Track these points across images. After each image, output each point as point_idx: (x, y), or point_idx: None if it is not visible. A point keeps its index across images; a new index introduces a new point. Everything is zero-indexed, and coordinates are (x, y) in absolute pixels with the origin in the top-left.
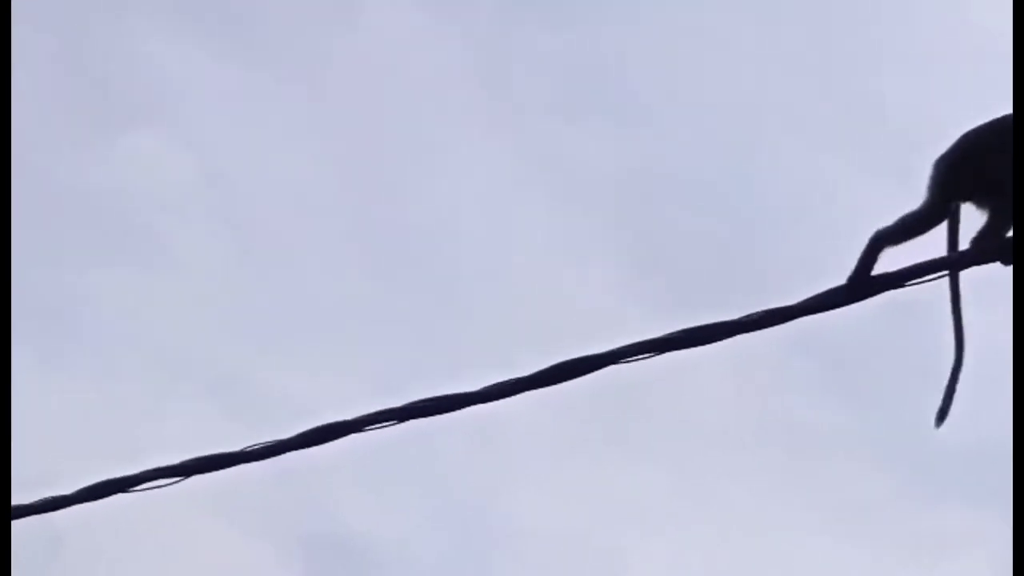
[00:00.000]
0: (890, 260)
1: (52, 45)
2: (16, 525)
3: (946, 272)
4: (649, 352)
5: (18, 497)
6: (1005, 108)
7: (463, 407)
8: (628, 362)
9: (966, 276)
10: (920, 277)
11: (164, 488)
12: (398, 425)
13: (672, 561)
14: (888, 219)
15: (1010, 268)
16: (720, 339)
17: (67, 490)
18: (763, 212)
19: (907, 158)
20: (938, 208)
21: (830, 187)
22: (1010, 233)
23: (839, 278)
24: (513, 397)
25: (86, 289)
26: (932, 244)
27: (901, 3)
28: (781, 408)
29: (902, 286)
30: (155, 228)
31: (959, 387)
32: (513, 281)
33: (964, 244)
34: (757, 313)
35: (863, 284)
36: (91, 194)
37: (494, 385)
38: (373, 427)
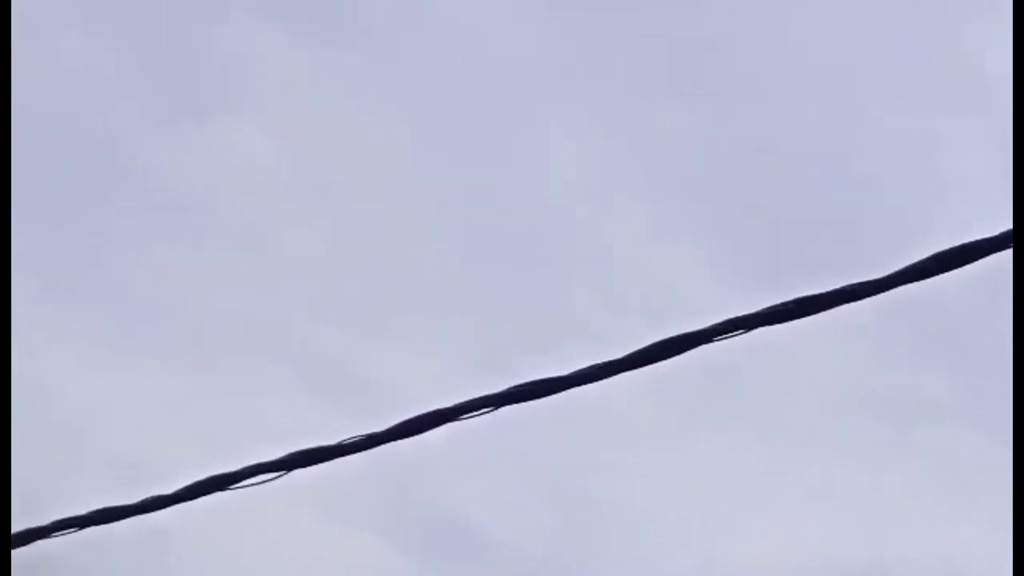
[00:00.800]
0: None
1: (144, 33)
2: (121, 525)
3: None
4: (745, 328)
5: (121, 497)
6: None
7: (560, 391)
8: (723, 339)
9: None
10: None
11: (264, 484)
12: (496, 411)
13: (780, 539)
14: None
15: None
16: (816, 312)
17: (169, 489)
18: (861, 183)
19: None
20: None
21: (929, 156)
22: None
23: (938, 246)
24: (610, 379)
25: (181, 279)
26: None
27: None
28: (886, 380)
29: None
30: (248, 215)
31: None
32: (609, 261)
33: None
34: (852, 284)
35: None
36: (184, 182)
37: (590, 367)
38: (471, 415)
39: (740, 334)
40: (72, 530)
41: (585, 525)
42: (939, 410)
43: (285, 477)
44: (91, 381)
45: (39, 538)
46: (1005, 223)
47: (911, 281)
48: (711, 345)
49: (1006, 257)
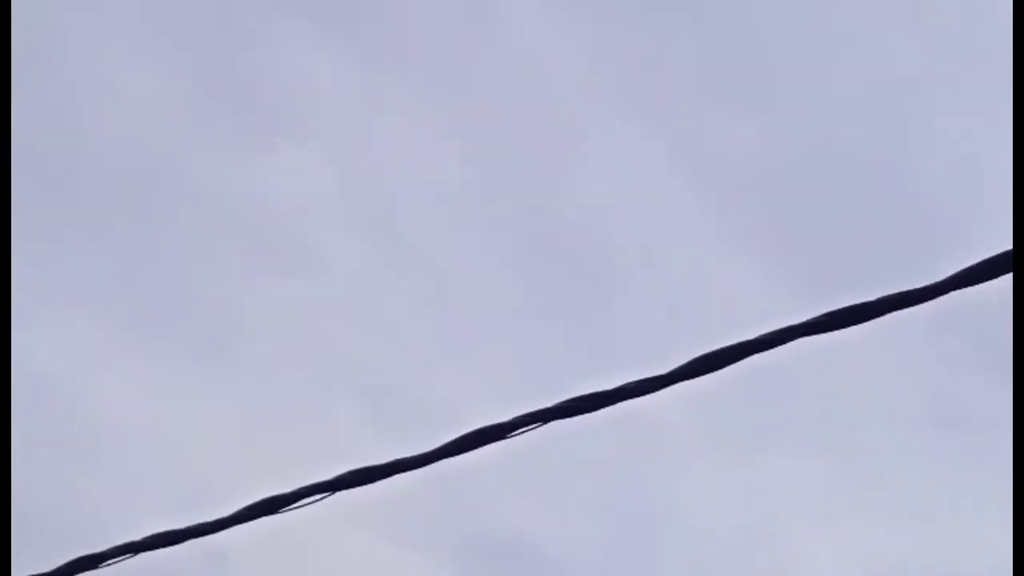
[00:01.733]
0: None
1: (203, 58)
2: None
3: None
4: (793, 337)
5: (177, 521)
6: None
7: (607, 405)
8: (772, 349)
9: None
10: None
11: (317, 504)
12: (547, 425)
13: (842, 551)
14: None
15: None
16: (866, 320)
17: (224, 511)
18: (914, 191)
19: None
20: None
21: (981, 161)
22: None
23: (988, 252)
24: (659, 392)
25: (239, 300)
26: None
27: None
28: (939, 388)
29: None
30: (303, 238)
31: None
32: (662, 273)
33: None
34: (902, 292)
35: None
36: (242, 204)
37: (642, 380)
38: (520, 431)
39: (788, 344)
40: (129, 555)
41: (640, 539)
42: (1000, 418)
43: (338, 496)
44: (149, 402)
45: (96, 565)
46: None
47: (961, 287)
48: (762, 356)
49: None
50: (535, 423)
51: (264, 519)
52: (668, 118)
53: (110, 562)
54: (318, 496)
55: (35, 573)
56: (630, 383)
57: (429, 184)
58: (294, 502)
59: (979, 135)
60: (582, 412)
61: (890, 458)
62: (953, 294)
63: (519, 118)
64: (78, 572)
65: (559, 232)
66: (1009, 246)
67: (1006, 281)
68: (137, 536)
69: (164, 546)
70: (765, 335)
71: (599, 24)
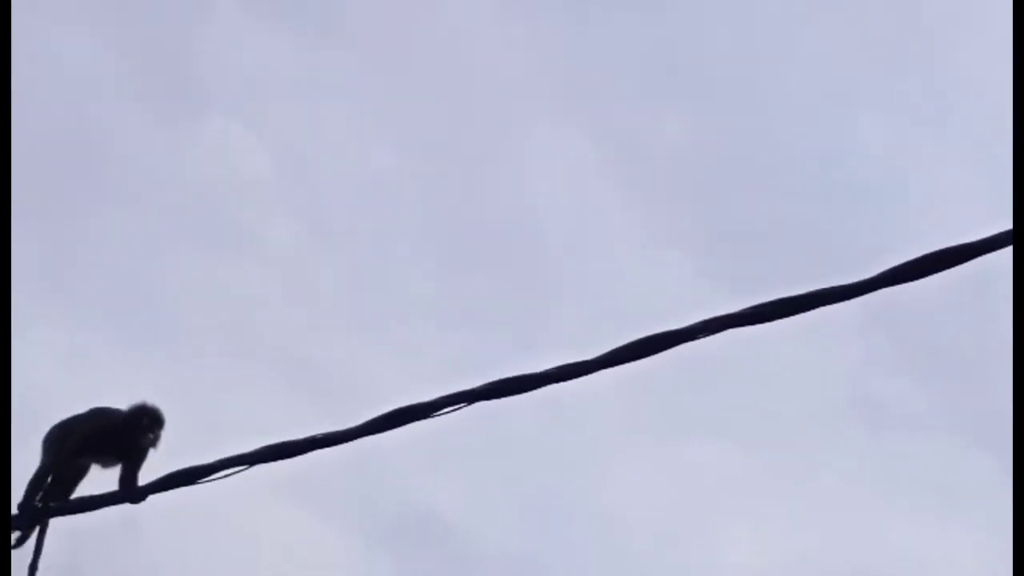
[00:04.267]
0: None
1: (134, 34)
2: (94, 515)
3: None
4: (724, 328)
5: (95, 486)
6: None
7: (537, 387)
8: (703, 338)
9: None
10: None
11: (235, 476)
12: (472, 406)
13: (759, 541)
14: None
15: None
16: (791, 314)
17: (141, 481)
18: (843, 192)
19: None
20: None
21: (903, 166)
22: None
23: (912, 253)
24: (587, 376)
25: (167, 275)
26: None
27: None
28: (861, 386)
29: None
30: (234, 215)
31: None
32: (588, 263)
33: None
34: (830, 287)
35: None
36: (171, 181)
37: (568, 365)
38: (445, 410)
39: (719, 333)
40: (43, 520)
41: (562, 524)
42: (916, 418)
43: (257, 470)
44: (71, 371)
45: (11, 529)
46: (984, 229)
47: (887, 285)
48: (693, 346)
49: (984, 263)
50: (460, 403)
51: (185, 490)
52: (600, 113)
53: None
54: (236, 468)
55: None
56: (556, 367)
57: (361, 167)
58: (211, 473)
59: (906, 137)
60: (507, 394)
61: (809, 452)
62: (880, 292)
63: (453, 108)
64: None
65: (490, 221)
66: (932, 247)
67: (932, 282)
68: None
69: (79, 512)
70: (694, 324)
71: (535, 18)
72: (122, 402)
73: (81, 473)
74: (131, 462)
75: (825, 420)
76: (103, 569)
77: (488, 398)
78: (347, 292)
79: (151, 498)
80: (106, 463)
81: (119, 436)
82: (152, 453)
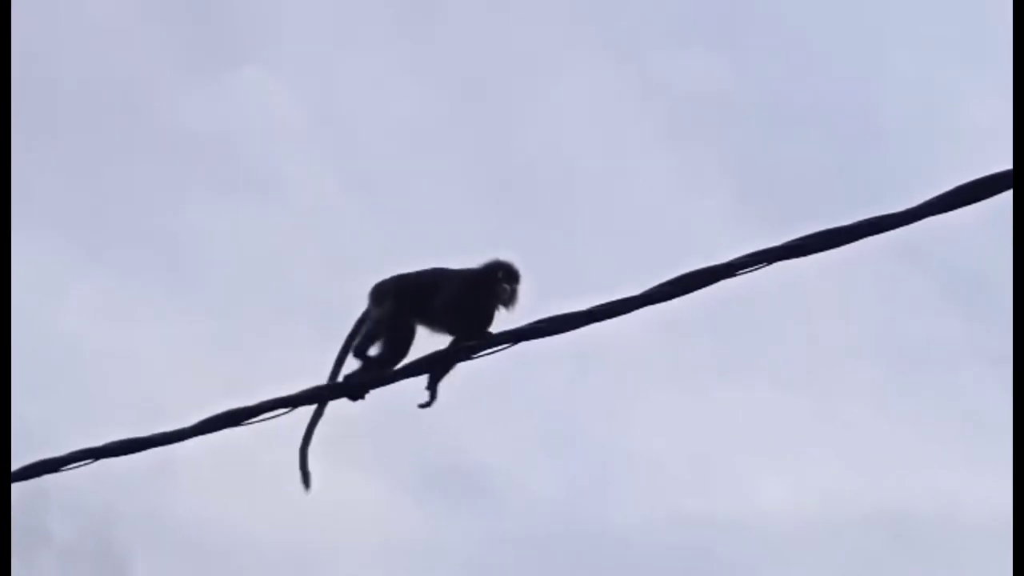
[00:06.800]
0: None
1: None
2: (135, 458)
3: None
4: (767, 261)
5: (136, 430)
6: None
7: (577, 327)
8: (745, 272)
9: None
10: None
11: (278, 419)
12: (512, 347)
13: (793, 481)
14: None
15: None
16: (837, 245)
17: (183, 423)
18: (873, 131)
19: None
20: None
21: (937, 105)
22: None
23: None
24: (627, 315)
25: (200, 226)
26: None
27: None
28: (902, 324)
29: None
30: (267, 164)
31: None
32: (624, 210)
33: None
34: (871, 218)
35: None
36: (205, 130)
37: (609, 303)
38: (488, 351)
39: (762, 267)
40: (87, 461)
41: (600, 468)
42: (958, 356)
43: (300, 412)
44: (111, 326)
45: (54, 470)
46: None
47: (929, 215)
48: (728, 285)
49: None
50: (503, 344)
51: (226, 434)
52: (635, 54)
53: (71, 466)
54: (280, 411)
55: None
56: (603, 304)
57: (394, 114)
58: (256, 415)
59: (941, 77)
60: (552, 333)
61: (846, 391)
62: (926, 222)
63: (484, 52)
64: (38, 475)
65: (524, 163)
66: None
67: (966, 218)
68: (98, 443)
69: (125, 453)
70: (739, 258)
71: None
72: (170, 353)
73: (410, 337)
74: (472, 328)
75: (864, 359)
76: (139, 512)
77: (535, 337)
78: (377, 240)
79: (192, 443)
80: (437, 327)
81: (467, 294)
82: (503, 313)
